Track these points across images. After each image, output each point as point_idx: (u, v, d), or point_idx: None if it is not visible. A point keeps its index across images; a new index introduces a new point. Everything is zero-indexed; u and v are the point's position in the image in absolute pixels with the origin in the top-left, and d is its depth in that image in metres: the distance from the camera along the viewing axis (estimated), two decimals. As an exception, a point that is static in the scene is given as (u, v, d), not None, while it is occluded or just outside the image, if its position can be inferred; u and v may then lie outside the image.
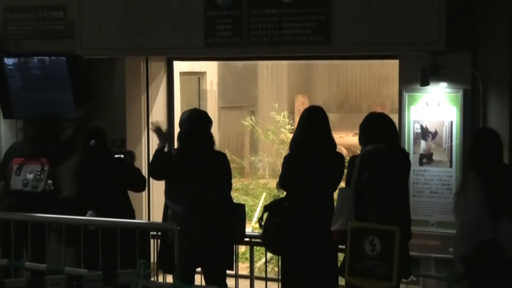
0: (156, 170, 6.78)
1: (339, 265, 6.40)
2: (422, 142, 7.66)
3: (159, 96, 9.28)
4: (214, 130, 13.70)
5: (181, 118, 6.81)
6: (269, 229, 6.51)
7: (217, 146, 14.24)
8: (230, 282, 7.32)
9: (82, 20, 8.49)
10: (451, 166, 7.49)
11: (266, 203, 6.90)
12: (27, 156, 7.71)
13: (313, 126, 6.51)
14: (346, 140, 12.78)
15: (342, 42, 7.53)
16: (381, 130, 6.20)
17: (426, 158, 7.65)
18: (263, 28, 7.75)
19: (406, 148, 7.63)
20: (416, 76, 7.49)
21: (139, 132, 9.04)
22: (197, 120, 6.70)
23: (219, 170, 6.63)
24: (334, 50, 7.79)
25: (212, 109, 13.87)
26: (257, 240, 7.02)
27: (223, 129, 14.28)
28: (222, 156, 6.82)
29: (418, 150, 7.60)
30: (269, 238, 6.54)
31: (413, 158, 7.59)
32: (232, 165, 7.00)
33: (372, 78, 15.61)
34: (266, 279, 7.45)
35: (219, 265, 6.68)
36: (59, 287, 5.20)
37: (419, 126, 7.68)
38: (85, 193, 7.21)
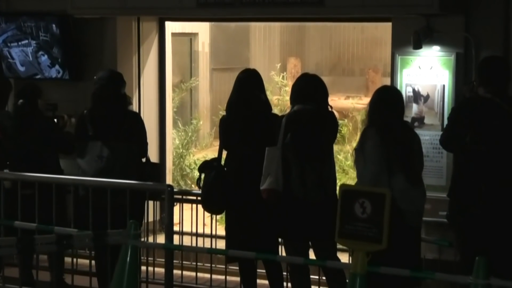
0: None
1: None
2: (414, 106, 7.66)
3: (151, 57, 9.23)
4: (206, 91, 13.79)
5: (95, 78, 6.87)
6: (207, 186, 6.47)
7: (208, 107, 14.13)
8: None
9: (74, -21, 8.44)
10: (442, 130, 7.46)
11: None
12: None
13: (245, 87, 6.49)
14: (338, 103, 12.71)
15: (335, 4, 7.49)
16: (310, 92, 6.20)
17: (418, 121, 7.64)
18: (256, -11, 7.70)
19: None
20: (409, 39, 7.46)
21: (130, 92, 8.93)
22: (108, 81, 6.76)
23: (129, 129, 6.69)
24: (327, 12, 7.75)
25: (204, 70, 13.81)
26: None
27: (215, 90, 14.24)
28: (133, 116, 6.94)
29: (410, 114, 7.58)
30: (209, 194, 6.49)
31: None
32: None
33: (365, 40, 15.55)
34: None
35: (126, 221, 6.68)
36: (49, 247, 5.20)
37: (411, 90, 7.67)
38: (5, 151, 7.23)
